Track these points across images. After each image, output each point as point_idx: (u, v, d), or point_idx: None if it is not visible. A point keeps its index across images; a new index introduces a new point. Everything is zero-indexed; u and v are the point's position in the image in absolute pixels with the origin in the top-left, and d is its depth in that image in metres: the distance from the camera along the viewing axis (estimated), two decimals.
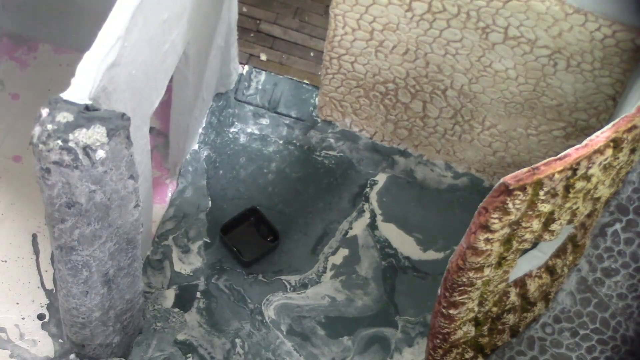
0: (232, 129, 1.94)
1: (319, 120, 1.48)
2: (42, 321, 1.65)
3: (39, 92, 2.02)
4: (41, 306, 1.65)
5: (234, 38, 1.75)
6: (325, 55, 1.20)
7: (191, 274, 1.76)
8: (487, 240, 0.79)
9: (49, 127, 1.13)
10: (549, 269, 1.01)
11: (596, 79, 1.02)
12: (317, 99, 1.50)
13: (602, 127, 0.84)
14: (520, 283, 0.97)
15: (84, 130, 1.13)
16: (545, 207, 0.77)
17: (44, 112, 1.15)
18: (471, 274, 0.84)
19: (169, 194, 1.91)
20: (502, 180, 0.73)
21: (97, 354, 1.27)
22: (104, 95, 1.24)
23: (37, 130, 1.13)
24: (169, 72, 1.53)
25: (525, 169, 0.73)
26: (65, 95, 1.18)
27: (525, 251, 0.92)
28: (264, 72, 1.67)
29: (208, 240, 1.80)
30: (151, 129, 1.62)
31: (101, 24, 1.26)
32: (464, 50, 1.04)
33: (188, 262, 1.77)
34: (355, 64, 1.18)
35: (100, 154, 1.15)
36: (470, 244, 0.80)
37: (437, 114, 1.22)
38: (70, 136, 1.12)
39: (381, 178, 1.41)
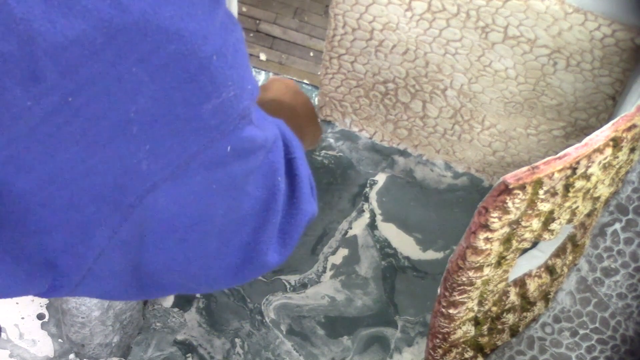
0: None
1: (319, 120, 1.48)
2: (41, 321, 1.65)
3: None
4: (41, 306, 1.65)
5: None
6: (325, 55, 1.20)
7: None
8: (487, 240, 0.79)
9: None
10: (549, 269, 1.01)
11: (596, 79, 1.02)
12: (316, 99, 1.50)
13: (601, 126, 0.84)
14: (520, 282, 0.97)
15: None
16: (545, 206, 0.77)
17: None
18: (471, 274, 0.84)
19: None
20: (501, 179, 0.73)
21: (96, 354, 1.27)
22: None
23: None
24: None
25: (524, 168, 0.73)
26: None
27: (524, 251, 0.92)
28: (263, 72, 1.67)
29: None
30: None
31: None
32: (463, 50, 1.04)
33: None
34: (355, 63, 1.19)
35: None
36: (470, 243, 0.80)
37: (437, 113, 1.22)
38: None
39: (381, 178, 1.41)
